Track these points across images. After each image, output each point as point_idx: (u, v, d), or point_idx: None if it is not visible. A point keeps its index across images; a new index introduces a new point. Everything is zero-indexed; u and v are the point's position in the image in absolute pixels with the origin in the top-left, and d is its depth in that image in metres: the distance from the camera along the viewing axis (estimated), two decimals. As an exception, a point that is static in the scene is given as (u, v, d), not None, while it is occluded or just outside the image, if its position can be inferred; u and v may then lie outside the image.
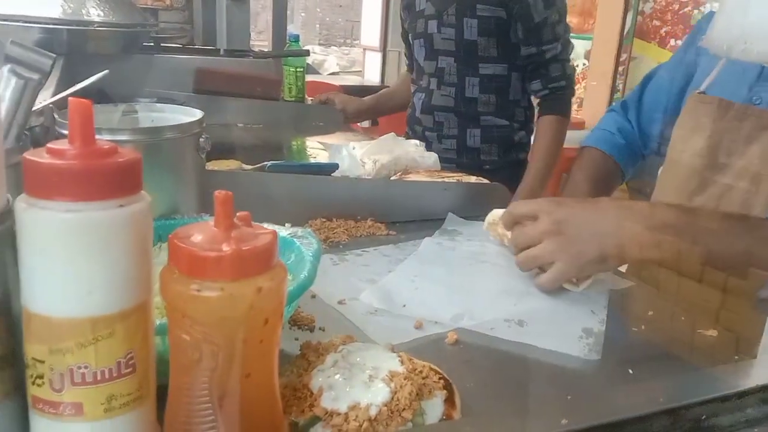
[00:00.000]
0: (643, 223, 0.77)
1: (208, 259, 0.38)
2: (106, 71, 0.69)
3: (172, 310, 0.40)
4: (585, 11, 3.35)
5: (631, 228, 0.77)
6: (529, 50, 1.65)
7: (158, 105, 0.78)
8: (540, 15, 1.61)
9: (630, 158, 1.26)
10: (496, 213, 0.97)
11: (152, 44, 1.73)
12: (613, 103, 1.39)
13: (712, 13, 1.09)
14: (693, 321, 0.78)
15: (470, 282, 0.85)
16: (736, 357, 0.71)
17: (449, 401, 0.54)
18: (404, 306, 0.76)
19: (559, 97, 1.70)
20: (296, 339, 0.65)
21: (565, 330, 0.72)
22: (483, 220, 1.01)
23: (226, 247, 0.38)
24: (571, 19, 3.44)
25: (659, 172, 1.13)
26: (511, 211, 0.86)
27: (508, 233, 0.88)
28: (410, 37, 1.83)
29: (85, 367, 0.39)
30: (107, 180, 0.38)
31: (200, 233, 0.40)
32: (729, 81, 0.99)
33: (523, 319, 0.74)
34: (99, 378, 0.39)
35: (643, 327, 0.73)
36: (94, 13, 1.46)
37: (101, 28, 1.45)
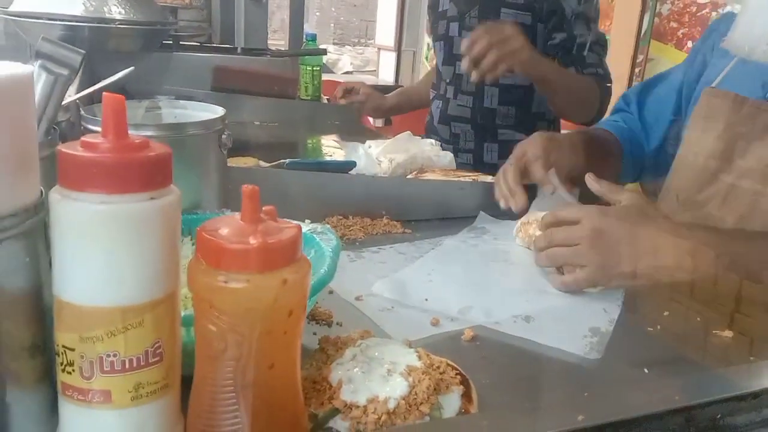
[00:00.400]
0: (681, 248, 0.78)
1: (235, 252, 0.39)
2: (132, 68, 0.70)
3: (199, 301, 0.41)
4: (602, 12, 3.34)
5: (669, 253, 0.78)
6: (561, 35, 1.52)
7: (181, 102, 0.79)
8: (572, 8, 1.52)
9: (630, 143, 1.24)
10: (534, 215, 0.96)
11: (171, 42, 1.75)
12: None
13: (730, 14, 1.09)
14: (708, 322, 0.78)
15: (485, 279, 0.86)
16: (752, 358, 0.71)
17: (466, 396, 0.54)
18: (415, 298, 0.77)
19: (599, 84, 1.54)
20: (314, 333, 0.66)
21: (571, 328, 0.72)
22: (509, 219, 1.01)
23: (252, 240, 0.39)
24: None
25: (672, 168, 1.12)
26: (555, 213, 0.86)
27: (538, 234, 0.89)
28: (432, 40, 1.78)
29: (114, 356, 0.40)
30: (140, 173, 0.39)
31: (227, 226, 0.41)
32: (742, 78, 0.98)
33: (531, 315, 0.75)
34: (127, 366, 0.40)
35: (658, 327, 0.74)
36: (116, 11, 1.48)
37: (122, 26, 1.47)
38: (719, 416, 0.54)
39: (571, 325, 0.73)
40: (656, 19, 3.12)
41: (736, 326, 0.76)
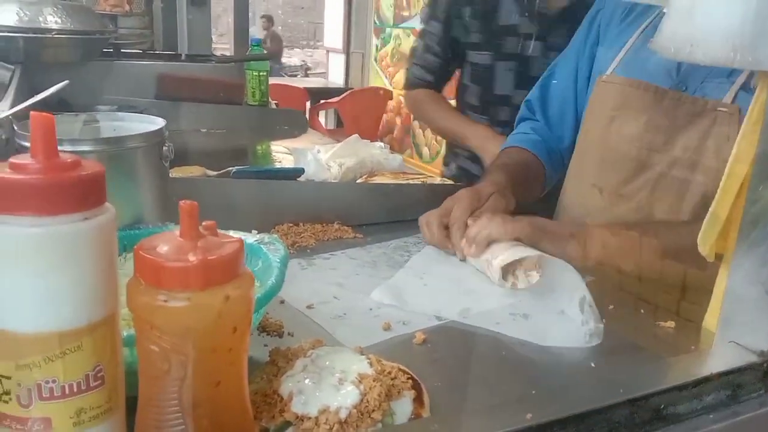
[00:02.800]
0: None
1: (174, 270, 0.39)
2: (66, 82, 0.69)
3: (139, 322, 0.41)
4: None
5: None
6: None
7: (119, 114, 0.77)
8: None
9: (548, 154, 1.22)
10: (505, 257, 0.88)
11: (112, 51, 1.71)
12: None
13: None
14: (653, 314, 0.80)
15: (477, 279, 0.88)
16: (693, 347, 0.73)
17: (418, 400, 0.55)
18: (413, 303, 0.79)
19: None
20: (265, 345, 0.65)
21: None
22: None
23: (192, 257, 0.39)
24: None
25: (573, 159, 1.14)
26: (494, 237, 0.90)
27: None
28: (475, 55, 1.50)
29: (53, 381, 0.39)
30: (71, 193, 0.38)
31: (166, 244, 0.40)
32: (647, 61, 1.00)
33: (528, 313, 0.78)
34: (67, 392, 0.39)
35: (604, 321, 0.75)
36: (52, 21, 1.43)
37: (59, 36, 1.43)
38: (663, 406, 0.56)
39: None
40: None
41: (682, 315, 0.79)
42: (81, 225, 0.38)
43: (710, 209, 0.64)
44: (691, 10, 0.50)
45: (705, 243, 0.65)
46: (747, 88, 0.87)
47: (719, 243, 0.66)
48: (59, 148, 0.40)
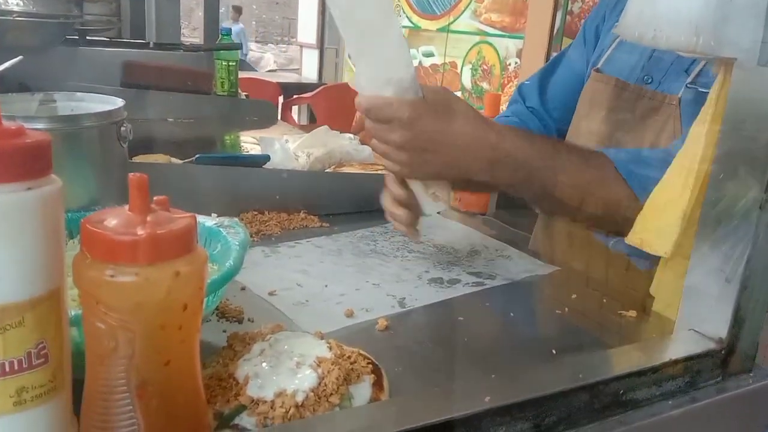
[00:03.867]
0: (485, 144, 0.77)
1: (122, 243, 0.37)
2: (20, 57, 0.66)
3: (86, 298, 0.39)
4: (516, 10, 3.43)
5: (474, 148, 0.76)
6: None
7: (78, 94, 0.75)
8: None
9: None
10: None
11: (77, 37, 1.67)
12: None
13: None
14: (614, 303, 0.80)
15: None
16: (654, 335, 0.74)
17: (377, 385, 0.54)
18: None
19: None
20: (224, 331, 0.64)
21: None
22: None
23: (141, 231, 0.38)
24: (504, 19, 3.51)
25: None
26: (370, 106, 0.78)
27: None
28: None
29: (-8, 359, 0.37)
30: (14, 162, 0.36)
31: (114, 218, 0.39)
32: (624, 58, 0.99)
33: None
34: (8, 369, 0.38)
35: (566, 309, 0.76)
36: (13, 3, 1.40)
37: (21, 19, 1.39)
38: (622, 392, 0.56)
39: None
40: (568, 17, 3.23)
41: (642, 305, 0.79)
42: (24, 195, 0.37)
43: (678, 206, 0.64)
44: (654, -6, 0.50)
45: (668, 241, 0.65)
46: (696, 82, 0.87)
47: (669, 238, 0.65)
48: (11, 124, 0.38)
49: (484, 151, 0.76)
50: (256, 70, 6.67)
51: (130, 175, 0.39)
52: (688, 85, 0.87)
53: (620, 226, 0.77)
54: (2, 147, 0.36)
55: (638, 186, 0.77)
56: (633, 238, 0.66)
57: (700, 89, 0.85)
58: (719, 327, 0.63)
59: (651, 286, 0.71)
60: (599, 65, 1.04)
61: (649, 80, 0.94)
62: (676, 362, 0.59)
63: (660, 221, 0.64)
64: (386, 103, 0.76)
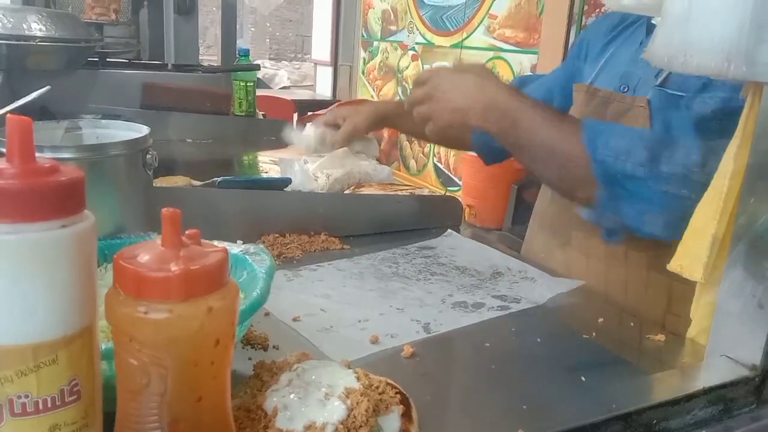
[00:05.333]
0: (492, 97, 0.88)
1: (155, 280, 0.37)
2: (48, 87, 0.67)
3: (118, 334, 0.39)
4: (530, 26, 3.43)
5: (477, 97, 0.89)
6: None
7: (103, 121, 0.76)
8: None
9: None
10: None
11: (97, 59, 1.69)
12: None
13: (603, 16, 1.13)
14: (641, 327, 0.79)
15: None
16: (684, 360, 0.73)
17: (406, 416, 0.53)
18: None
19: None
20: (250, 359, 0.64)
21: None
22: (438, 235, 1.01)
23: (174, 267, 0.37)
24: (517, 34, 3.52)
25: None
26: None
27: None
28: None
29: (26, 397, 0.37)
30: (48, 200, 0.37)
31: (147, 253, 0.39)
32: (608, 74, 1.03)
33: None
34: (41, 407, 0.38)
35: (594, 334, 0.75)
36: (36, 28, 1.42)
37: (43, 43, 1.41)
38: (655, 422, 0.55)
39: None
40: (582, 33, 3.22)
41: (668, 328, 0.78)
42: (59, 233, 0.37)
43: (709, 230, 0.63)
44: (685, 20, 0.49)
45: (701, 265, 0.64)
46: (665, 85, 0.91)
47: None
48: (40, 155, 0.38)
49: (480, 98, 0.89)
50: (270, 87, 6.71)
51: (163, 210, 0.38)
52: (657, 87, 0.91)
53: (573, 186, 0.89)
54: (37, 185, 0.36)
55: (592, 146, 0.83)
56: (673, 265, 0.65)
57: (669, 91, 0.90)
58: (753, 353, 0.61)
59: (690, 311, 0.69)
60: (590, 80, 1.07)
61: (626, 89, 0.98)
62: (710, 390, 0.58)
63: (696, 246, 0.63)
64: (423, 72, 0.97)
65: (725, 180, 0.61)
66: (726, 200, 0.61)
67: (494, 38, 3.69)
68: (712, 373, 0.61)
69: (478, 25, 3.82)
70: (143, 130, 0.72)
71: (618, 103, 0.97)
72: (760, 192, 0.59)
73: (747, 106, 0.57)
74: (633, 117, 0.94)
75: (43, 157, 0.39)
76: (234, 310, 0.41)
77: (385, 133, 4.77)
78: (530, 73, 1.25)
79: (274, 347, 0.67)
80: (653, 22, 0.92)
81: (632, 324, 0.80)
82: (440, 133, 0.92)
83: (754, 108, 0.58)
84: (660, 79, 0.92)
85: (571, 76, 1.15)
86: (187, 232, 0.41)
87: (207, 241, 0.42)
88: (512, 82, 1.28)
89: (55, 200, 0.37)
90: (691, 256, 0.63)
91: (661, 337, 0.75)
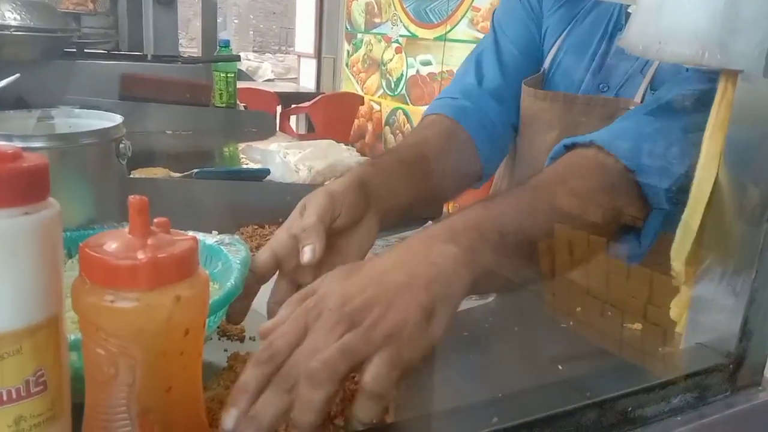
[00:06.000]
0: (448, 242, 0.55)
1: (122, 268, 0.37)
2: (18, 75, 0.66)
3: (85, 324, 0.38)
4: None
5: (440, 256, 0.53)
6: None
7: (76, 111, 0.75)
8: None
9: (481, 126, 0.92)
10: None
11: (75, 50, 1.67)
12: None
13: None
14: (620, 316, 0.80)
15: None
16: (660, 349, 0.73)
17: None
18: None
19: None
20: (225, 350, 0.63)
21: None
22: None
23: (141, 255, 0.37)
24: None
25: (516, 171, 0.99)
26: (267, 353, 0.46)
27: None
28: None
29: (-10, 388, 0.36)
30: (11, 186, 0.36)
31: (114, 241, 0.38)
32: (571, 64, 0.91)
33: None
34: (5, 398, 0.37)
35: (571, 323, 0.75)
36: (11, 17, 1.39)
37: (18, 33, 1.39)
38: (630, 409, 0.55)
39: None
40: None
41: (648, 319, 0.78)
42: (21, 220, 0.36)
43: (682, 221, 0.63)
44: (659, 7, 0.49)
45: (678, 258, 0.64)
46: (654, 86, 0.82)
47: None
48: (10, 143, 0.38)
49: (426, 276, 0.51)
50: (253, 80, 6.68)
51: (131, 197, 0.38)
52: (651, 91, 0.82)
53: (615, 217, 0.68)
54: (-1, 171, 0.36)
55: (623, 154, 0.66)
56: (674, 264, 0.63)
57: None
58: (727, 340, 0.62)
59: (673, 300, 0.69)
60: (550, 68, 0.93)
61: (605, 88, 0.87)
62: (684, 377, 0.58)
63: (679, 239, 0.63)
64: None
65: (702, 172, 0.62)
66: (697, 190, 0.62)
67: (478, 31, 3.69)
68: (687, 361, 0.61)
69: (462, 18, 3.82)
70: (116, 119, 0.71)
71: (601, 107, 0.86)
72: (733, 181, 0.59)
73: (719, 94, 0.57)
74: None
75: (7, 145, 0.38)
76: (204, 299, 0.40)
77: (369, 125, 4.76)
78: (488, 48, 0.94)
79: (250, 338, 0.66)
80: (629, 10, 0.85)
81: (610, 313, 0.81)
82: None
83: (726, 96, 0.58)
84: (648, 77, 0.83)
85: (526, 50, 0.95)
86: (155, 220, 0.40)
87: (177, 230, 0.41)
88: (483, 62, 0.99)
89: (17, 187, 0.36)
90: (676, 250, 0.63)
91: (637, 325, 0.76)
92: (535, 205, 0.64)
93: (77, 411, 0.41)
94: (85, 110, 0.75)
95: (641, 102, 0.83)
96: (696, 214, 0.60)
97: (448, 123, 0.90)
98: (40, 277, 0.37)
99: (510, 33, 0.97)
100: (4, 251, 0.36)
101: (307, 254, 0.61)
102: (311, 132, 4.47)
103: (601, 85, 0.88)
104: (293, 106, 4.49)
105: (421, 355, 0.50)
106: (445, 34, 3.98)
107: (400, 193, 0.74)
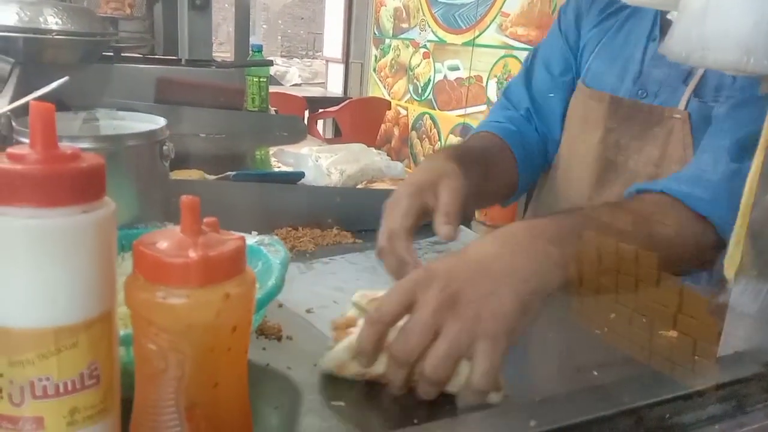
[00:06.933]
0: (552, 242, 0.61)
1: (174, 266, 0.38)
2: (67, 78, 0.68)
3: (137, 319, 0.40)
4: (543, 24, 3.42)
5: (543, 253, 0.59)
6: None
7: (120, 113, 0.77)
8: None
9: (523, 148, 1.02)
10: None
11: (112, 54, 1.71)
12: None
13: None
14: (653, 323, 0.79)
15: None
16: (696, 357, 0.72)
17: None
18: None
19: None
20: (264, 348, 0.64)
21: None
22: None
23: (192, 253, 0.38)
24: (529, 32, 3.51)
25: (557, 172, 1.04)
26: (376, 315, 0.56)
27: None
28: None
29: (47, 379, 0.38)
30: (70, 185, 0.37)
31: (166, 239, 0.39)
32: (607, 69, 0.95)
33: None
34: (61, 390, 0.38)
35: (606, 330, 0.75)
36: (52, 21, 1.43)
37: (59, 37, 1.42)
38: (668, 416, 0.55)
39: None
40: (596, 30, 3.20)
41: (679, 327, 0.78)
42: (79, 218, 0.37)
43: (734, 233, 0.62)
44: (703, 14, 0.49)
45: (731, 268, 0.63)
46: (698, 95, 0.83)
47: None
48: (67, 148, 0.39)
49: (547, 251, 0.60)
50: (281, 84, 6.74)
51: (183, 197, 0.39)
52: (694, 98, 0.84)
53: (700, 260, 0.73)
54: (59, 171, 0.37)
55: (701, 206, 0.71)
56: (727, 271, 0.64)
57: (710, 103, 0.82)
58: (765, 349, 0.61)
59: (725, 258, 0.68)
60: (583, 76, 0.99)
61: (644, 94, 0.90)
62: (722, 386, 0.58)
63: (730, 249, 0.62)
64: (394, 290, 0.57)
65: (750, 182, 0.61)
66: (747, 198, 0.61)
67: (506, 36, 3.68)
68: (725, 369, 0.61)
69: (491, 23, 3.82)
70: (160, 121, 0.73)
71: (646, 114, 0.87)
72: (774, 188, 0.59)
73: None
74: (665, 131, 0.86)
75: (66, 145, 0.39)
76: (251, 297, 0.41)
77: (396, 130, 4.77)
78: (518, 75, 1.12)
79: (288, 338, 0.67)
80: (668, 17, 0.87)
81: (644, 321, 0.80)
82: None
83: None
84: (691, 86, 0.84)
85: (564, 59, 1.03)
86: (205, 220, 0.41)
87: (225, 230, 0.42)
88: (511, 90, 1.11)
89: (77, 186, 0.37)
90: (729, 260, 0.62)
91: (673, 333, 0.75)
92: (634, 235, 0.70)
93: (124, 406, 0.43)
94: (128, 113, 0.77)
95: (687, 109, 0.83)
96: (744, 225, 0.59)
97: (498, 139, 1.02)
98: (96, 273, 0.38)
99: (552, 66, 1.07)
100: (63, 249, 0.37)
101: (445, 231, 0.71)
102: (338, 136, 4.50)
103: (639, 91, 0.90)
104: (321, 110, 4.52)
105: (513, 342, 0.56)
106: (474, 39, 3.98)
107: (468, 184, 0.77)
